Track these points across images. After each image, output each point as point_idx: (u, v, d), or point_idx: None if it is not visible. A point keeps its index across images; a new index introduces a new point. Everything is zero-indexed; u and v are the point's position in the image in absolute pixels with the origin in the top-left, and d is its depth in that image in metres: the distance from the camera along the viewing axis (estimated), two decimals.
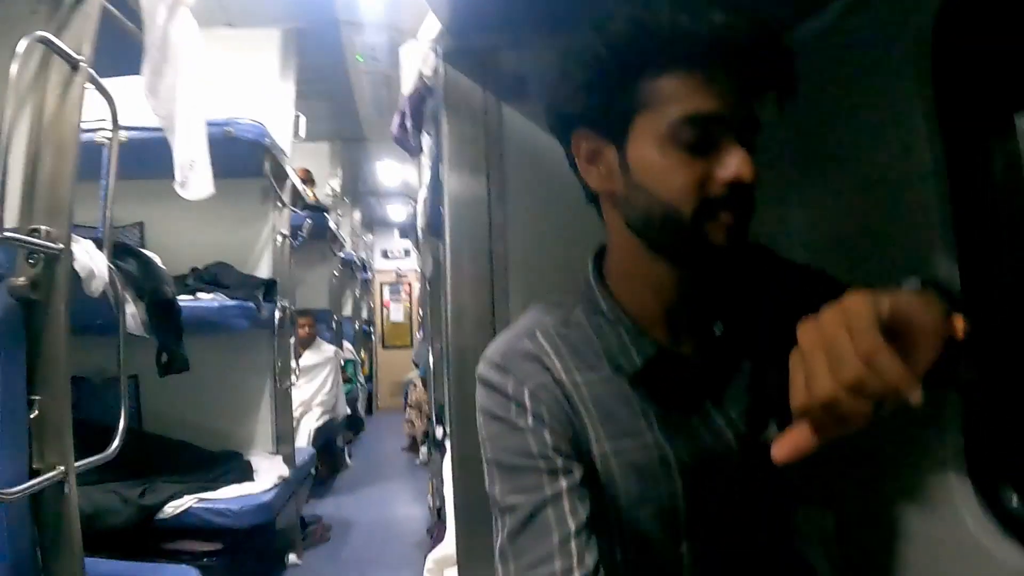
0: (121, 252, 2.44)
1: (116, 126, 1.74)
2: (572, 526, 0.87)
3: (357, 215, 9.21)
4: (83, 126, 1.60)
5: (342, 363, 6.59)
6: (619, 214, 0.96)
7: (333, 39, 4.44)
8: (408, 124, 2.06)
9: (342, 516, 4.96)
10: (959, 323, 0.68)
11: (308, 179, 5.81)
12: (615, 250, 1.02)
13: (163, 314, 2.49)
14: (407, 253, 11.20)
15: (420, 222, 3.04)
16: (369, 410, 9.45)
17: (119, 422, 1.74)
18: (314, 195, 5.91)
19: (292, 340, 4.02)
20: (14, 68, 1.39)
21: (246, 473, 3.39)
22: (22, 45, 1.41)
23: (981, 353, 1.09)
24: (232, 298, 3.37)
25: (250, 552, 3.25)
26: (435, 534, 3.37)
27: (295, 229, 4.29)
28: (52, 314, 1.52)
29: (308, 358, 5.56)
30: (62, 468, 1.51)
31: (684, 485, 0.95)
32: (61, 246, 1.51)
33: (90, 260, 1.70)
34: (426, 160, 2.19)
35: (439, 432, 3.61)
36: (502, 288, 1.49)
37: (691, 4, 0.84)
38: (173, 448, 3.46)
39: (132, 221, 3.70)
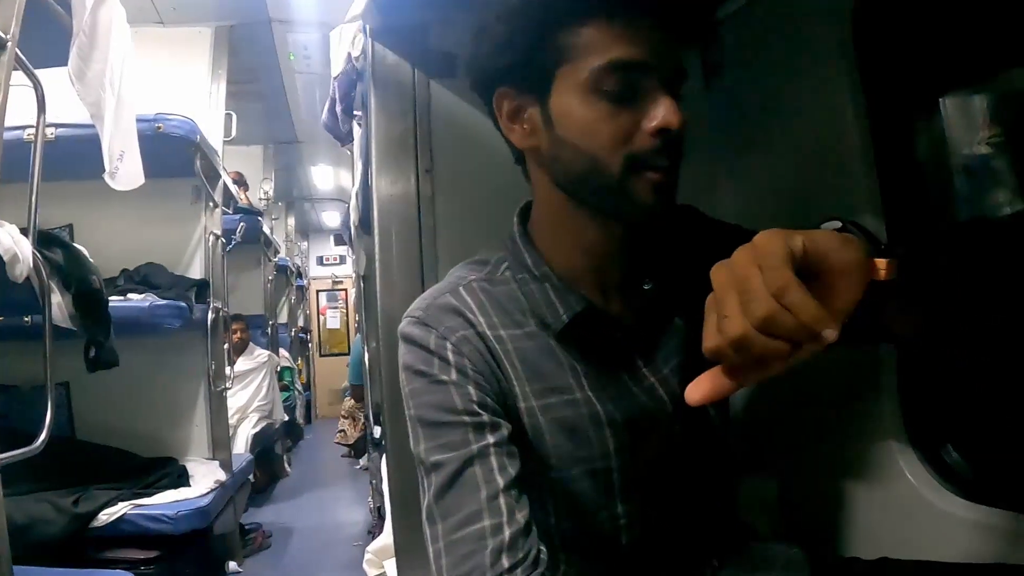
0: (47, 241, 2.36)
1: (42, 109, 1.69)
2: (501, 482, 0.85)
3: (291, 220, 9.11)
4: (11, 123, 1.55)
5: (278, 369, 6.50)
6: (545, 172, 0.95)
7: (266, 38, 4.39)
8: (338, 109, 2.05)
9: (282, 523, 4.87)
10: (882, 265, 0.65)
11: (241, 182, 5.72)
12: (541, 207, 1.01)
13: (90, 305, 2.42)
14: (343, 259, 11.12)
15: (353, 218, 3.02)
16: (308, 418, 9.33)
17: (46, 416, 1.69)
18: (247, 198, 5.81)
19: (226, 345, 3.94)
20: None
21: (182, 479, 3.32)
22: None
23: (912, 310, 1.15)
24: (164, 298, 3.29)
25: (188, 559, 3.16)
26: (376, 534, 3.35)
27: (228, 232, 4.21)
28: None
29: (242, 364, 5.45)
30: None
31: (616, 444, 0.94)
32: None
33: (13, 244, 1.65)
34: (357, 150, 2.17)
35: (377, 432, 3.59)
36: (431, 265, 1.50)
37: None
38: (107, 455, 3.35)
39: (61, 223, 3.56)
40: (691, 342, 0.99)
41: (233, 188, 4.55)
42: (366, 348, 4.16)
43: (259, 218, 5.60)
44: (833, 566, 1.13)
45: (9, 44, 1.51)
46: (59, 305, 2.24)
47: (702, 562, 1.04)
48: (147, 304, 3.18)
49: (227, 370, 3.92)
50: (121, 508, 2.90)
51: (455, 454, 0.86)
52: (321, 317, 11.51)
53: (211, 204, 3.85)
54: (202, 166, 3.55)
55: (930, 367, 1.21)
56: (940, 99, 1.23)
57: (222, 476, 3.49)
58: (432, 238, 1.51)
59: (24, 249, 1.70)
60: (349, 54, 1.74)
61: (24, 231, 1.74)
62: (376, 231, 1.50)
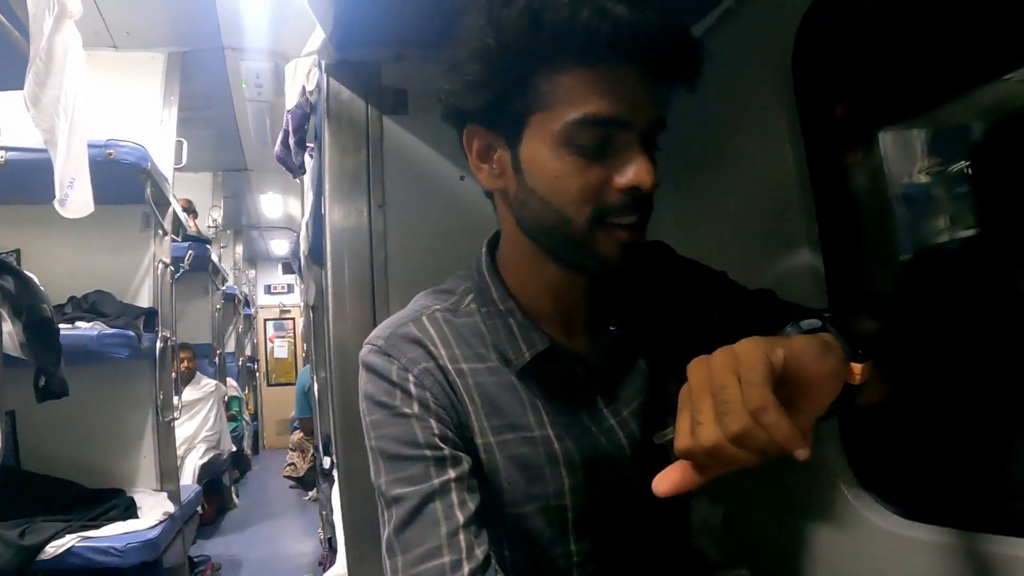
0: None
1: None
2: (461, 518, 0.84)
3: (240, 249, 8.99)
4: None
5: (226, 399, 6.39)
6: (511, 214, 0.93)
7: (218, 65, 4.38)
8: (291, 142, 2.06)
9: (231, 555, 4.78)
10: (857, 370, 0.66)
11: (190, 209, 5.65)
12: (508, 244, 0.99)
13: (41, 334, 2.38)
14: (291, 288, 11.01)
15: (303, 248, 3.03)
16: (256, 448, 9.17)
17: None
18: (196, 226, 5.74)
19: (174, 374, 3.88)
20: None
21: (130, 510, 3.25)
22: None
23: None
24: (112, 327, 3.24)
25: None
26: (327, 565, 3.31)
27: (176, 260, 4.17)
28: None
29: (189, 393, 5.35)
30: None
31: (571, 483, 0.93)
32: None
33: None
34: (308, 181, 2.19)
35: (327, 463, 3.56)
36: (383, 298, 1.51)
37: None
38: (53, 486, 3.28)
39: (8, 248, 3.50)
40: (653, 386, 1.01)
41: (183, 216, 4.51)
42: (315, 378, 4.13)
43: (208, 246, 5.53)
44: None
45: None
46: (9, 334, 2.20)
47: None
48: (95, 333, 3.14)
49: (175, 400, 3.85)
50: (68, 540, 2.84)
51: (416, 488, 0.85)
52: (269, 346, 11.36)
53: (160, 232, 3.80)
54: (152, 193, 3.50)
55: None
56: (878, 132, 1.31)
57: (170, 508, 3.43)
58: (384, 272, 1.52)
59: None
60: (304, 88, 1.77)
61: None
62: (328, 263, 1.52)
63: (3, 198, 2.00)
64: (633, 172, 0.81)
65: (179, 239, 4.42)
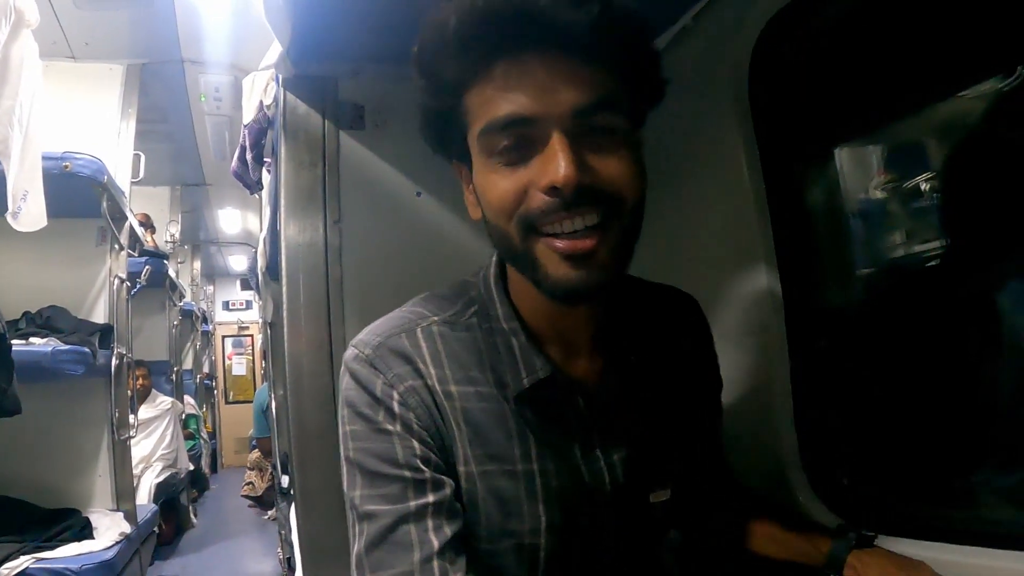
0: None
1: None
2: (436, 544, 0.79)
3: (197, 264, 8.88)
4: None
5: (182, 417, 6.29)
6: None
7: (177, 78, 4.35)
8: (248, 157, 2.05)
9: None
10: None
11: (147, 224, 5.57)
12: None
13: None
14: (249, 305, 10.87)
15: (260, 264, 3.00)
16: (214, 467, 9.01)
17: None
18: (153, 241, 5.66)
19: (130, 392, 3.81)
20: None
21: (85, 531, 3.19)
22: None
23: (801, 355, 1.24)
24: (66, 343, 3.19)
25: None
26: None
27: (133, 275, 4.11)
28: None
29: (144, 412, 5.23)
30: None
31: (548, 522, 0.87)
32: None
33: None
34: (266, 197, 2.18)
35: (285, 481, 3.53)
36: (338, 315, 1.50)
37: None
38: (6, 506, 3.21)
39: None
40: (649, 431, 0.94)
41: (140, 230, 4.44)
42: (273, 395, 4.09)
43: (165, 261, 5.47)
44: None
45: None
46: None
47: None
48: (50, 349, 3.08)
49: (131, 418, 3.79)
50: (23, 562, 2.79)
51: (391, 508, 0.80)
52: (227, 363, 11.20)
53: (117, 246, 3.76)
54: (108, 207, 3.47)
55: (824, 410, 1.31)
56: (832, 148, 1.35)
57: (127, 528, 3.38)
58: (339, 289, 1.51)
59: None
60: (261, 102, 1.76)
61: None
62: (284, 279, 1.51)
63: None
64: (549, 169, 0.73)
65: (136, 254, 4.34)
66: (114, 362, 3.56)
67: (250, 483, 6.50)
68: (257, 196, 2.60)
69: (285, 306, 1.50)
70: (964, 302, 1.15)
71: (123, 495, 3.66)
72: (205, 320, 9.00)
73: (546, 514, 0.87)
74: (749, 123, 1.35)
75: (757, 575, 1.11)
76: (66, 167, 3.03)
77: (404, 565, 0.78)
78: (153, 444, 5.31)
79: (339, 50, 1.49)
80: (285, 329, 1.50)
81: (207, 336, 9.47)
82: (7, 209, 2.29)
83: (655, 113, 0.84)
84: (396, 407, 0.84)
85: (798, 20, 1.26)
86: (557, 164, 0.71)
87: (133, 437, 3.86)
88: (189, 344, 7.84)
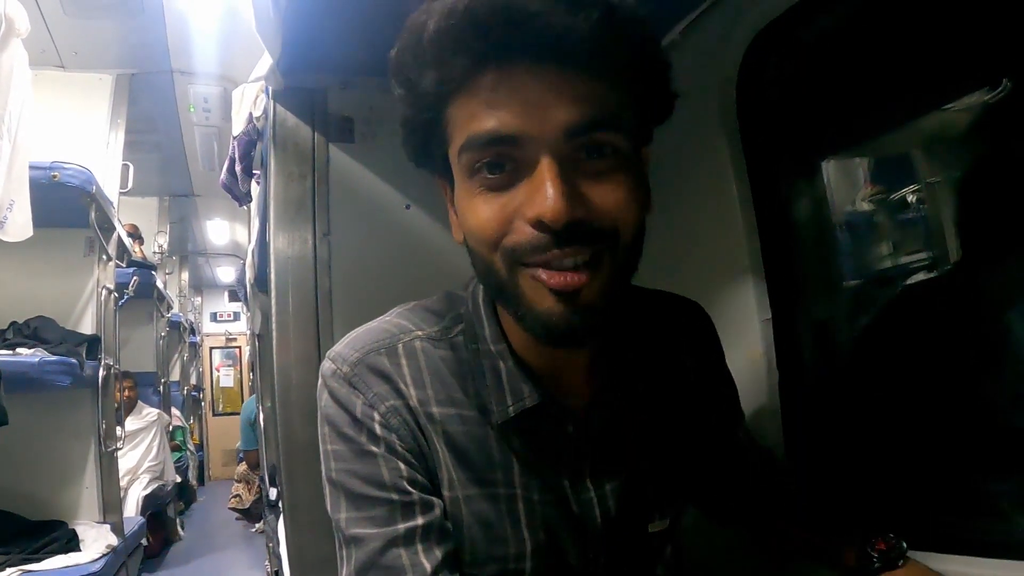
0: None
1: None
2: (428, 567, 0.75)
3: (185, 275, 8.84)
4: None
5: (169, 428, 6.25)
6: None
7: (166, 88, 4.35)
8: (237, 169, 2.05)
9: None
10: None
11: (135, 234, 5.55)
12: None
13: None
14: (237, 316, 10.83)
15: (249, 275, 3.00)
16: (201, 479, 8.94)
17: None
18: (141, 252, 5.65)
19: (117, 403, 3.79)
20: None
21: (72, 543, 3.18)
22: None
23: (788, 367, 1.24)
24: (53, 354, 3.17)
25: None
26: None
27: (121, 286, 4.10)
28: None
29: (131, 423, 5.19)
30: None
31: (533, 547, 0.84)
32: None
33: None
34: (255, 209, 2.18)
35: (272, 494, 3.51)
36: (327, 327, 1.49)
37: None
38: None
39: None
40: (643, 462, 0.90)
41: (128, 241, 4.43)
42: (260, 407, 4.07)
43: (153, 272, 5.45)
44: None
45: None
46: None
47: None
48: (36, 360, 3.06)
49: (118, 430, 3.77)
50: (9, 574, 2.76)
51: (379, 531, 0.77)
52: (215, 374, 11.14)
53: (105, 257, 3.76)
54: (97, 217, 3.47)
55: (811, 424, 1.32)
56: (820, 160, 1.36)
57: (113, 540, 3.37)
58: (328, 301, 1.51)
59: None
60: (251, 114, 1.77)
61: None
62: (273, 292, 1.51)
63: None
64: (537, 200, 0.65)
65: (124, 265, 4.34)
66: (101, 373, 3.55)
67: (237, 495, 6.44)
68: (245, 208, 2.60)
69: (274, 318, 1.49)
70: (953, 311, 1.17)
71: (110, 507, 3.64)
72: (193, 331, 8.96)
73: (531, 539, 0.83)
74: (737, 136, 1.36)
75: None
76: (55, 177, 3.03)
77: None
78: (140, 456, 5.27)
79: (329, 63, 1.50)
80: (274, 341, 1.49)
81: (195, 347, 9.42)
82: None
83: None
84: (378, 429, 0.79)
85: (786, 34, 1.27)
86: (545, 195, 0.64)
87: (120, 449, 3.84)
88: (177, 355, 7.78)
